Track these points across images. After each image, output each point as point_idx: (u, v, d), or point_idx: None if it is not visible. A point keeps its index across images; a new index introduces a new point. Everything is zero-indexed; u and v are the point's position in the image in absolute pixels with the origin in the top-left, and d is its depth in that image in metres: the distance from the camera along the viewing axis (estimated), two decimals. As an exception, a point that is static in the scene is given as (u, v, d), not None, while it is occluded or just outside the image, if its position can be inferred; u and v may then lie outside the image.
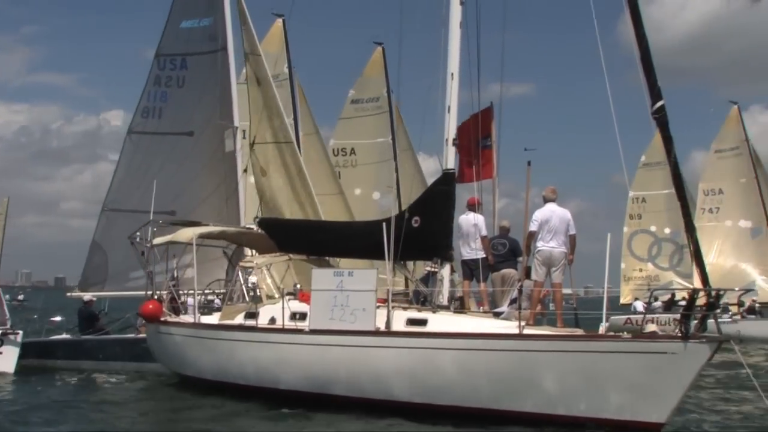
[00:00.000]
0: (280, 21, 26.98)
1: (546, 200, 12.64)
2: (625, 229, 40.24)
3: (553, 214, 12.55)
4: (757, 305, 35.26)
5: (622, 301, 39.22)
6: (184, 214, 18.95)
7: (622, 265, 40.47)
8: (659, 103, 11.98)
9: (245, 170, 19.29)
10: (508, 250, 13.50)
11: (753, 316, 34.27)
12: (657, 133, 40.16)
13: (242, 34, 18.95)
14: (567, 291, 13.45)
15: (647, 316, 19.46)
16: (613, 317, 34.00)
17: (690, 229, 11.91)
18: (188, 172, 20.30)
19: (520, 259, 13.32)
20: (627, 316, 31.69)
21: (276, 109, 18.38)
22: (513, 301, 12.64)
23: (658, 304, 34.09)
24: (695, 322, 11.60)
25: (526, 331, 11.72)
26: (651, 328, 12.02)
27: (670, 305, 34.17)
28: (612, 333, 11.93)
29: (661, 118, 12.00)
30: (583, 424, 11.36)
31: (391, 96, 29.08)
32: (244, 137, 21.61)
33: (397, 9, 14.05)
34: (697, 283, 11.99)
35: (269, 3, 30.02)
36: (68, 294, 21.40)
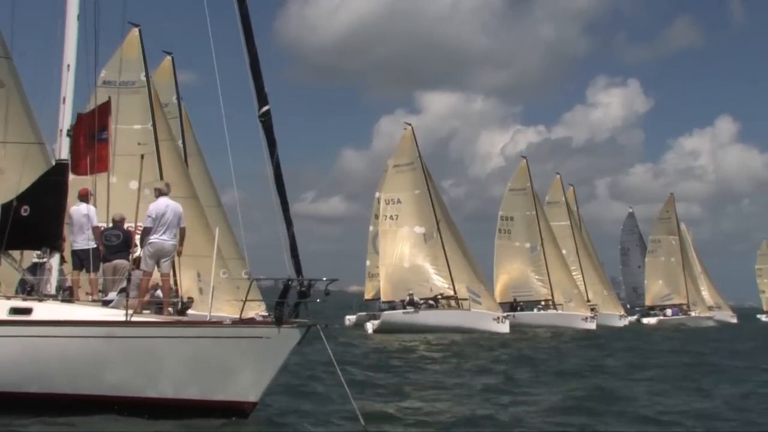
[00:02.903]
0: (136, 30, 28.12)
1: (160, 194, 13.16)
2: (371, 228, 42.85)
3: (167, 208, 13.10)
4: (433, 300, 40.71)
5: (367, 297, 41.94)
6: None
7: (367, 263, 43.25)
8: (265, 108, 12.93)
9: None
10: (121, 241, 13.83)
11: (434, 306, 39.99)
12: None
13: None
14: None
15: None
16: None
17: (288, 224, 13.01)
18: None
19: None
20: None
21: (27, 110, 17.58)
22: (122, 291, 13.00)
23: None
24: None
25: (134, 319, 12.18)
26: (251, 314, 13.02)
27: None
28: (215, 320, 12.73)
29: (266, 122, 12.91)
30: (188, 407, 12.02)
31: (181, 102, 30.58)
32: None
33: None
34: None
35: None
36: None
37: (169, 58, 30.92)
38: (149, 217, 12.96)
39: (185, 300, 27.49)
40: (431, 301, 40.65)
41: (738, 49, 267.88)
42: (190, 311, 24.93)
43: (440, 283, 41.38)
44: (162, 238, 12.93)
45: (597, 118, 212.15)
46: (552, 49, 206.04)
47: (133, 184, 24.71)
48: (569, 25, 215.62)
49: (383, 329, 36.96)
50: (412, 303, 39.82)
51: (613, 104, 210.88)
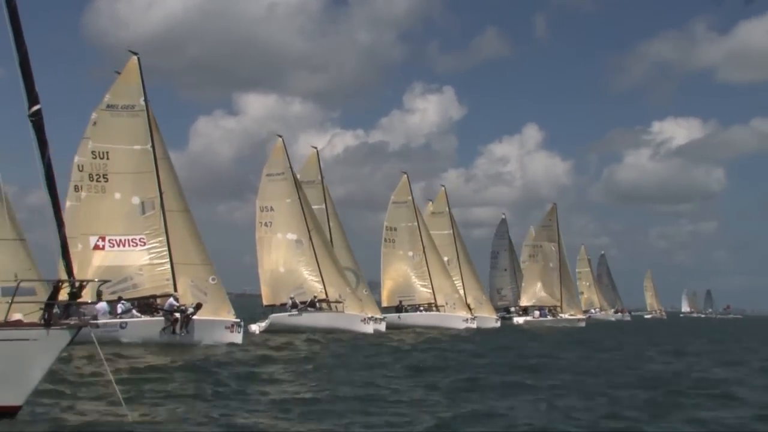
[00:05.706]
0: (135, 58, 31.04)
1: None
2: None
3: None
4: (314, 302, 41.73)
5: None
6: None
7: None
8: (36, 107, 12.76)
9: None
10: None
11: (312, 310, 41.04)
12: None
13: None
14: None
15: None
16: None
17: (59, 225, 12.86)
18: None
19: None
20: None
21: None
22: None
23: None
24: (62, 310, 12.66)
25: None
26: (17, 316, 12.76)
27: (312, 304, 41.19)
28: None
29: (37, 122, 12.77)
30: None
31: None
32: (94, 157, 29.76)
33: None
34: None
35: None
36: None
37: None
38: None
39: (193, 307, 28.17)
40: (309, 308, 41.28)
41: (542, 61, 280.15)
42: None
43: (314, 288, 42.24)
44: None
45: (413, 124, 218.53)
46: (369, 55, 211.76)
47: (135, 200, 29.87)
48: (385, 31, 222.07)
49: (270, 330, 38.10)
50: (294, 306, 41.08)
51: (429, 110, 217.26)
